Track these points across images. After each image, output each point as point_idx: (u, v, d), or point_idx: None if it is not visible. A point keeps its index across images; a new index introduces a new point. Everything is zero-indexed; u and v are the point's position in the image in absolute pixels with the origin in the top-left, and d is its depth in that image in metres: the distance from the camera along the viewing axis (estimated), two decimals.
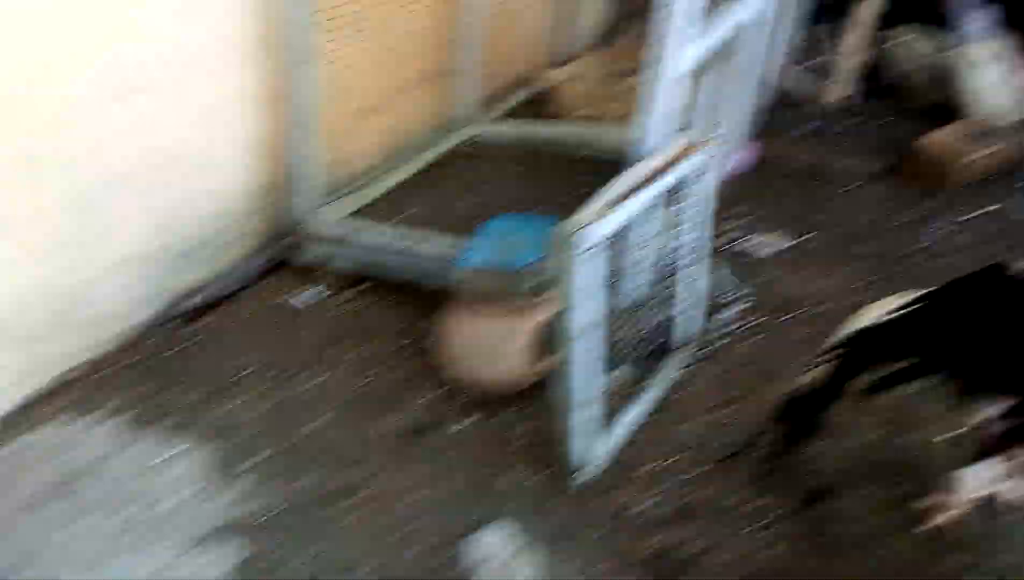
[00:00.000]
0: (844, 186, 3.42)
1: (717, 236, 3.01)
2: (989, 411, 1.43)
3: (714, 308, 2.62)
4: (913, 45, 4.12)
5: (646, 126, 2.07)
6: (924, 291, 1.50)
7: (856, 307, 2.62)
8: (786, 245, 3.01)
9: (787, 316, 2.63)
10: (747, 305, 2.67)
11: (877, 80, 4.26)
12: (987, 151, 3.37)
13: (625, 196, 1.87)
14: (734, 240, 3.02)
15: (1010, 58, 4.05)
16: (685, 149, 2.06)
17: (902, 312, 1.48)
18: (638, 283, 2.31)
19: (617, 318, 2.21)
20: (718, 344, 2.51)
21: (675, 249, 2.27)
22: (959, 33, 4.16)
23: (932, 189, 3.36)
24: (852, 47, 3.34)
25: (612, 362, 2.11)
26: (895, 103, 4.12)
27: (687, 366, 2.39)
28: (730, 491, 1.99)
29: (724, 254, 2.90)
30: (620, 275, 2.21)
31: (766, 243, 3.01)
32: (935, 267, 2.91)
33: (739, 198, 3.28)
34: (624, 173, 1.95)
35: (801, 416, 1.66)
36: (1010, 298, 1.30)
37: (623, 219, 1.86)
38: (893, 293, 2.66)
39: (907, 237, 3.09)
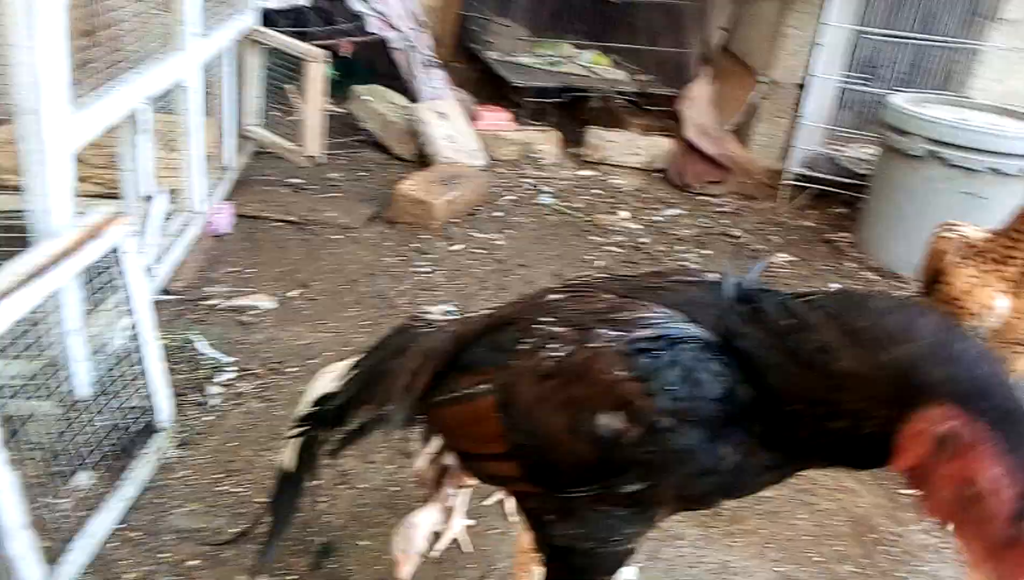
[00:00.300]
0: (334, 235, 3.38)
1: (204, 300, 2.74)
2: (425, 453, 1.47)
3: (202, 381, 2.32)
4: (375, 103, 4.35)
5: (43, 199, 1.69)
6: (363, 354, 1.51)
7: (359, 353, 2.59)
8: (277, 302, 2.83)
9: (282, 376, 2.44)
10: (238, 371, 2.41)
11: (355, 133, 4.45)
12: (455, 193, 3.63)
13: (25, 281, 1.45)
14: (221, 303, 2.75)
15: (465, 112, 4.52)
16: (100, 225, 1.71)
17: (345, 377, 1.48)
18: (79, 377, 1.88)
19: (65, 417, 1.84)
20: (207, 419, 2.20)
21: (119, 333, 1.90)
22: (416, 92, 4.55)
23: (417, 229, 3.50)
24: (312, 105, 3.36)
25: (70, 467, 1.79)
26: (377, 153, 4.33)
27: (168, 452, 2.02)
28: (236, 573, 1.74)
29: (211, 319, 2.64)
30: (54, 370, 1.77)
31: (257, 302, 2.79)
32: (425, 298, 2.98)
33: (224, 259, 3.05)
34: (26, 254, 1.55)
35: (287, 495, 1.56)
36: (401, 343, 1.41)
37: (23, 308, 1.44)
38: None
39: (400, 275, 3.13)
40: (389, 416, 1.33)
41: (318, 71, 3.32)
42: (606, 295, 1.13)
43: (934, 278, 2.13)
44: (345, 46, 4.36)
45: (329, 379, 1.52)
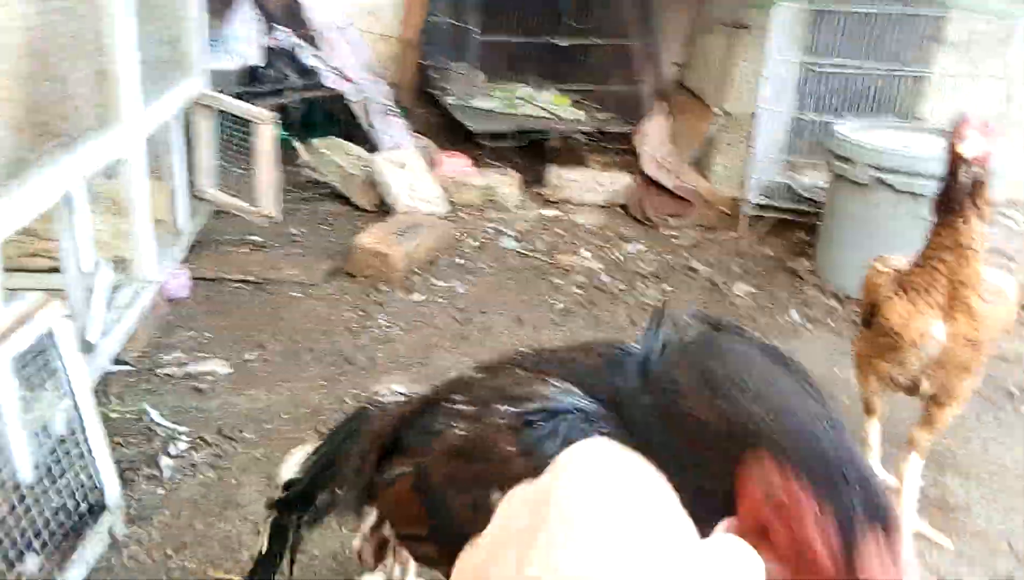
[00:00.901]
0: (293, 293, 3.39)
1: (158, 369, 2.73)
2: (362, 530, 1.49)
3: (155, 453, 2.31)
4: (333, 156, 4.39)
5: None
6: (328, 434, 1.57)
7: (316, 413, 2.59)
8: (232, 366, 2.82)
9: (237, 443, 2.43)
10: (192, 441, 2.40)
11: (316, 186, 4.48)
12: (415, 242, 3.64)
13: None
14: (175, 371, 2.74)
15: (425, 160, 4.56)
16: (30, 311, 1.71)
17: (306, 462, 1.52)
18: (21, 462, 1.87)
19: (8, 503, 1.80)
20: (160, 492, 2.19)
21: (61, 415, 1.89)
22: (375, 142, 4.59)
23: (377, 282, 3.51)
24: (265, 166, 3.38)
25: (16, 552, 1.76)
26: (338, 205, 4.36)
27: (118, 530, 2.01)
28: None
29: (165, 388, 2.63)
30: None
31: (212, 367, 2.78)
32: (388, 352, 2.99)
33: (181, 324, 3.05)
34: None
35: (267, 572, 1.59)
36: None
37: None
38: (352, 389, 2.71)
39: (359, 330, 3.14)
40: (343, 499, 1.37)
41: (268, 133, 3.35)
42: (519, 371, 1.14)
43: (871, 312, 2.15)
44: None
45: (294, 465, 1.56)
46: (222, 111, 3.62)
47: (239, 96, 3.91)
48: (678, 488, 0.91)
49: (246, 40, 4.02)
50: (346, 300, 3.39)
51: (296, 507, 1.51)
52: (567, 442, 0.98)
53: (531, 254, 4.01)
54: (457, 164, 4.69)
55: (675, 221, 4.56)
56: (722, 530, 0.80)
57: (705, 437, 0.88)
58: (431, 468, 1.14)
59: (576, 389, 1.07)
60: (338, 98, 4.62)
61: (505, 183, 4.67)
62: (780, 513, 0.77)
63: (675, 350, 0.99)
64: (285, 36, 4.19)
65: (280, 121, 3.66)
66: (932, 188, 3.28)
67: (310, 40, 4.42)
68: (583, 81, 5.26)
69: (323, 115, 4.85)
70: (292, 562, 1.58)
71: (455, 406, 1.15)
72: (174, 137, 3.34)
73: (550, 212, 4.62)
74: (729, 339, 0.98)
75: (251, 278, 3.45)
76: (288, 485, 1.52)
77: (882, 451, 2.46)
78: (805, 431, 0.80)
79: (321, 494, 1.46)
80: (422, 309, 3.38)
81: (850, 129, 3.68)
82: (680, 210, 4.62)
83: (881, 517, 0.74)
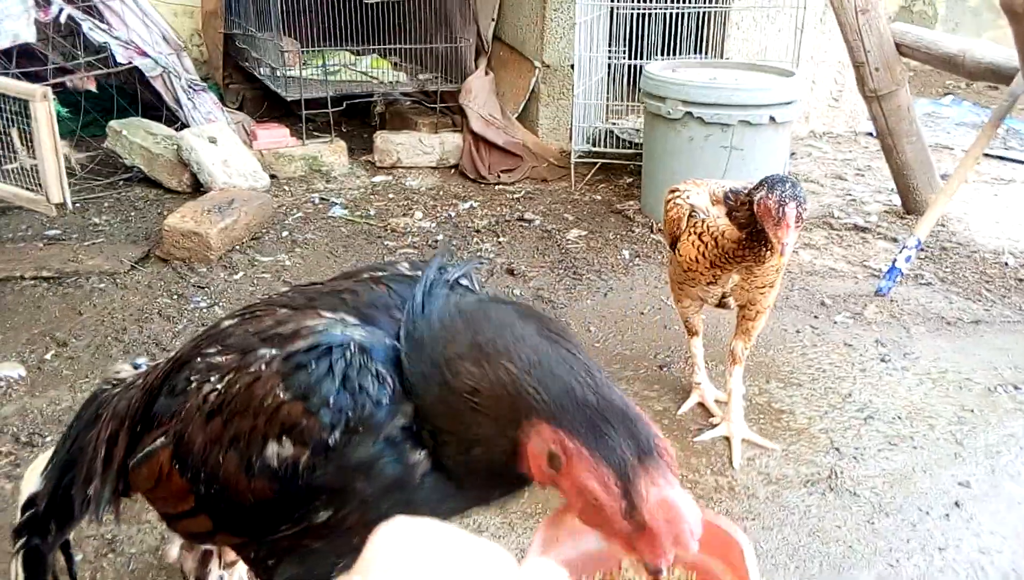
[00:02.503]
0: (98, 285, 3.10)
1: None
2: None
3: None
4: (134, 137, 4.05)
5: None
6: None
7: None
8: (27, 368, 2.54)
9: (36, 449, 2.21)
10: None
11: (121, 171, 4.14)
12: (231, 219, 3.42)
13: None
14: None
15: (240, 133, 4.30)
16: None
17: (45, 469, 1.31)
18: None
19: None
20: None
21: None
22: (184, 119, 4.28)
23: (193, 263, 3.28)
24: (46, 148, 3.05)
25: None
26: (147, 189, 4.04)
27: None
28: None
29: None
30: None
31: (4, 372, 2.49)
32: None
33: None
34: None
35: None
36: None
37: None
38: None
39: (175, 316, 2.92)
40: (95, 497, 1.18)
41: (45, 110, 3.02)
42: (280, 310, 1.04)
43: (673, 244, 2.20)
44: (81, 82, 4.01)
45: (35, 477, 1.34)
46: None
47: (16, 79, 3.52)
48: (454, 446, 0.88)
49: (14, 16, 3.60)
50: (160, 286, 3.14)
51: (48, 524, 1.29)
52: (347, 380, 0.90)
53: (362, 221, 3.88)
54: (275, 135, 4.46)
55: (507, 176, 4.54)
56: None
57: (482, 404, 0.85)
58: (189, 434, 1.02)
59: (352, 317, 0.99)
60: (135, 75, 4.26)
61: (330, 152, 4.49)
62: (564, 473, 0.80)
63: (448, 314, 0.92)
64: (59, 8, 3.79)
65: (61, 99, 3.32)
66: (736, 116, 3.45)
67: (91, 12, 4.03)
68: (403, 42, 5.11)
69: (126, 95, 4.46)
70: (73, 577, 1.41)
71: (209, 360, 1.04)
72: None
73: (380, 178, 4.49)
74: (496, 306, 0.93)
75: (46, 274, 3.13)
76: (29, 503, 1.30)
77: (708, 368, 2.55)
78: (570, 390, 0.82)
79: (75, 500, 1.24)
80: (246, 287, 3.18)
81: (660, 68, 3.77)
82: (511, 165, 4.61)
83: (648, 448, 0.78)
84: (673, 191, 2.24)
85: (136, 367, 1.34)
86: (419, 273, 1.04)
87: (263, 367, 0.95)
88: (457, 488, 0.92)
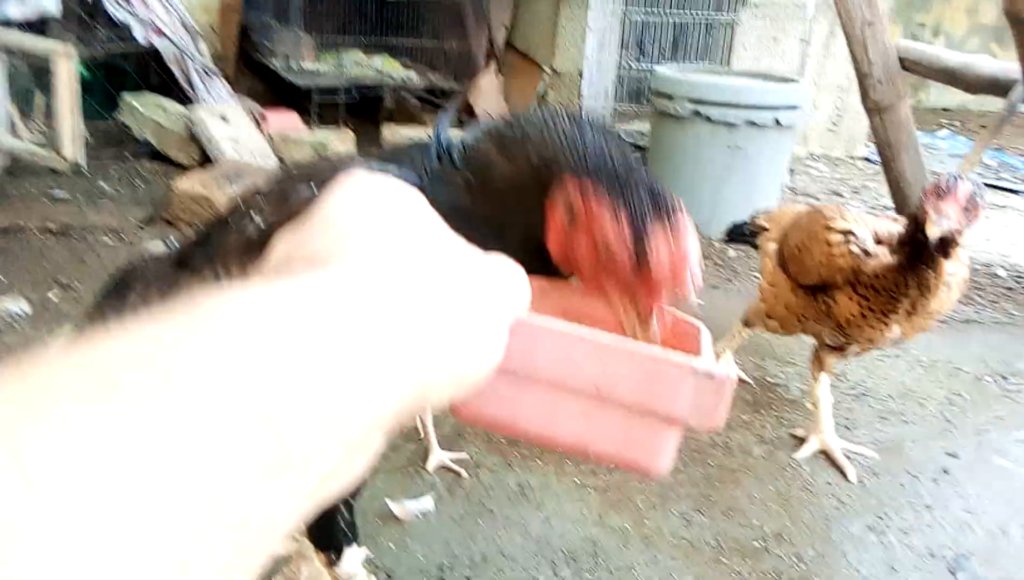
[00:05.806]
0: (105, 241, 3.13)
1: None
2: None
3: None
4: (147, 110, 4.12)
5: None
6: None
7: None
8: (34, 306, 2.56)
9: None
10: None
11: (131, 144, 4.19)
12: (238, 189, 3.47)
13: None
14: None
15: (248, 114, 4.37)
16: None
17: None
18: None
19: None
20: None
21: None
22: (197, 100, 4.35)
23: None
24: (65, 105, 3.10)
25: None
26: (155, 163, 4.09)
27: None
28: None
29: None
30: None
31: (8, 306, 2.51)
32: None
33: None
34: None
35: None
36: None
37: None
38: None
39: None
40: None
41: (67, 68, 3.07)
42: (325, 163, 1.08)
43: (822, 286, 1.93)
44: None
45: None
46: (12, 51, 3.30)
47: None
48: (492, 236, 0.90)
49: None
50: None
51: None
52: None
53: None
54: (285, 120, 4.53)
55: None
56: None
57: (518, 194, 0.88)
58: (223, 269, 1.05)
59: (391, 166, 1.03)
60: (152, 53, 4.33)
61: (338, 139, 4.55)
62: (582, 220, 0.82)
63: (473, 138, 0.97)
64: None
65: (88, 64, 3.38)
66: (743, 116, 3.54)
67: None
68: (414, 42, 5.23)
69: (136, 71, 4.53)
70: None
71: (250, 211, 1.07)
72: None
73: None
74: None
75: (52, 226, 3.16)
76: None
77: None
78: (598, 151, 0.85)
79: None
80: None
81: (670, 69, 3.87)
82: None
83: (666, 209, 0.81)
84: (831, 229, 1.90)
85: (169, 246, 1.37)
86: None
87: (305, 195, 0.98)
88: None
